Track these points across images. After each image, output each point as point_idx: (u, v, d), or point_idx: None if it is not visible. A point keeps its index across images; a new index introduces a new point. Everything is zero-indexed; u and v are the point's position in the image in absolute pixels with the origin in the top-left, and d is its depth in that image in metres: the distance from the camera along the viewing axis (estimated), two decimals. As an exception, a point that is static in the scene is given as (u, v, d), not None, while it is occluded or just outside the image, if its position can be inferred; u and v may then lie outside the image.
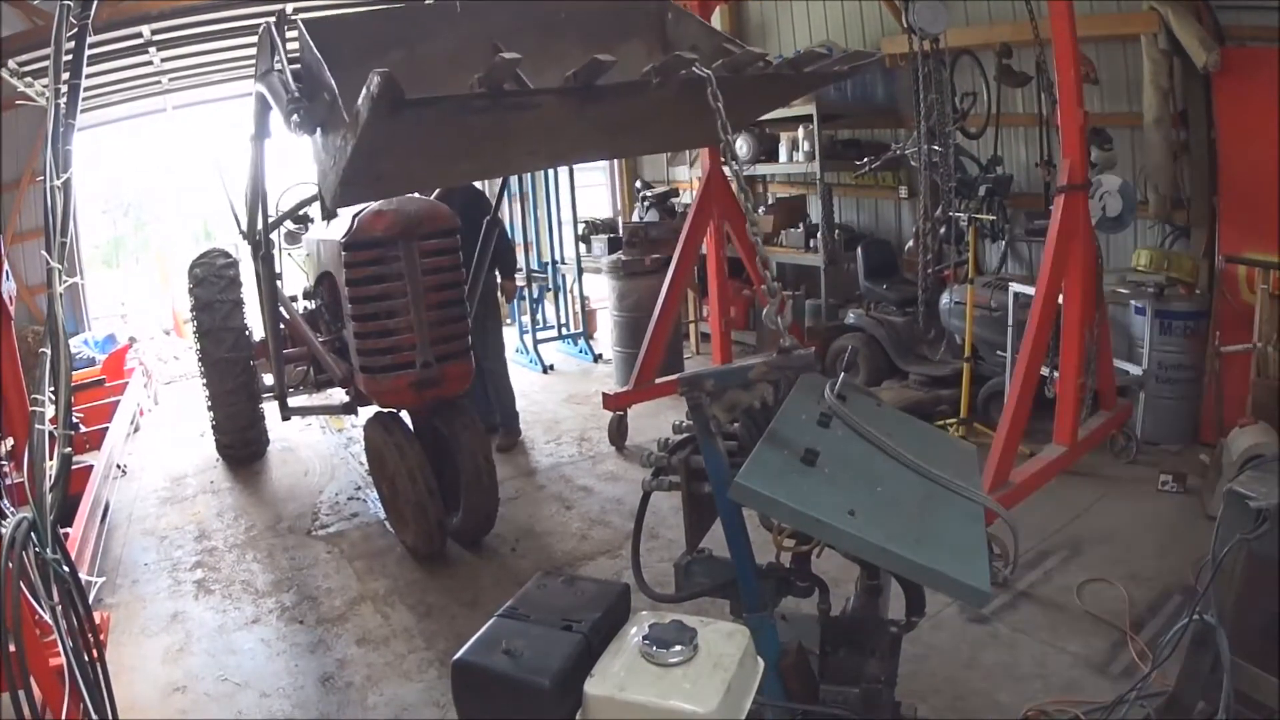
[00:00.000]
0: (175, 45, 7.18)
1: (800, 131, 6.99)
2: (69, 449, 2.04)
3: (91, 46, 2.45)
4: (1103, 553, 3.86)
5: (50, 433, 1.99)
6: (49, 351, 2.03)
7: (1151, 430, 4.98)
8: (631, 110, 2.96)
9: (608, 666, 1.72)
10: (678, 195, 9.00)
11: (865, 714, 1.98)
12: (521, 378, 7.15)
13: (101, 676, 2.06)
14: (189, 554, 4.60)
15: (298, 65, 2.93)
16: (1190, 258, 5.11)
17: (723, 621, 1.86)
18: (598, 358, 8.06)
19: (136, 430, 6.73)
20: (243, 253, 5.12)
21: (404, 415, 4.30)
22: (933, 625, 3.30)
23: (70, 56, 2.14)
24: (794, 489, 1.79)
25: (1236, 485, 2.24)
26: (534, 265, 8.38)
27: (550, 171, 8.02)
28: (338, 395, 5.05)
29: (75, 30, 2.18)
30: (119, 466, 5.65)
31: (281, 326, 5.00)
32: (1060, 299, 3.98)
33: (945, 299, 5.55)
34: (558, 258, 8.46)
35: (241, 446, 5.85)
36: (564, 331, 8.56)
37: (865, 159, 6.04)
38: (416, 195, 4.56)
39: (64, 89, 2.11)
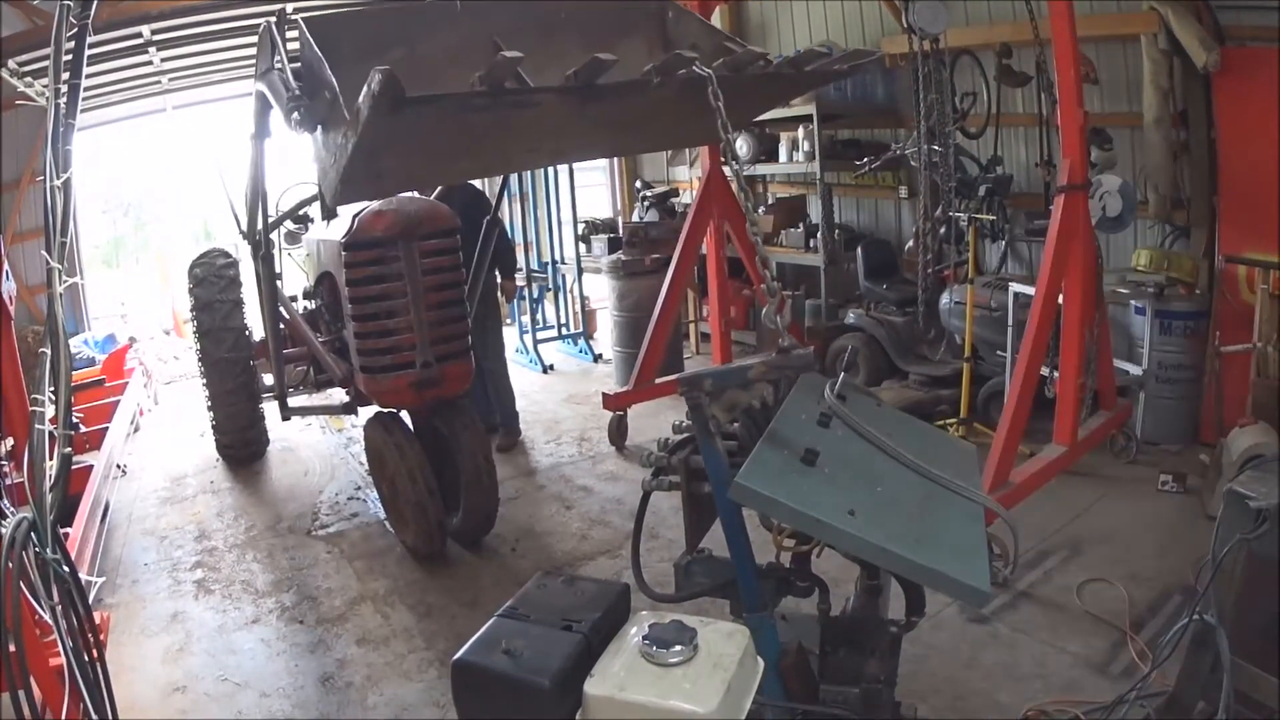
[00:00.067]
0: (175, 45, 7.18)
1: (800, 131, 6.98)
2: (69, 449, 2.04)
3: (91, 46, 2.45)
4: (1103, 553, 3.86)
5: (50, 433, 1.99)
6: (49, 351, 2.03)
7: (1151, 430, 4.98)
8: (632, 109, 2.96)
9: (608, 666, 1.72)
10: (678, 195, 9.00)
11: (865, 714, 1.98)
12: (521, 378, 7.15)
13: (101, 676, 2.06)
14: (189, 554, 4.60)
15: (298, 64, 2.93)
16: (1190, 258, 5.11)
17: (723, 621, 1.87)
18: (598, 358, 8.06)
19: (136, 430, 6.73)
20: (243, 253, 5.11)
21: (404, 415, 4.30)
22: (933, 625, 3.30)
23: (70, 56, 2.14)
24: (794, 489, 1.79)
25: (1236, 485, 2.24)
26: (534, 265, 8.38)
27: (550, 171, 8.02)
28: (338, 395, 5.05)
29: (75, 30, 2.18)
30: (119, 466, 5.65)
31: (281, 326, 5.00)
32: (1060, 299, 3.98)
33: (945, 299, 5.55)
34: (558, 258, 8.46)
35: (241, 446, 5.85)
36: (564, 331, 8.56)
37: (865, 159, 6.04)
38: (416, 195, 4.56)
39: (64, 89, 2.11)
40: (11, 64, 5.71)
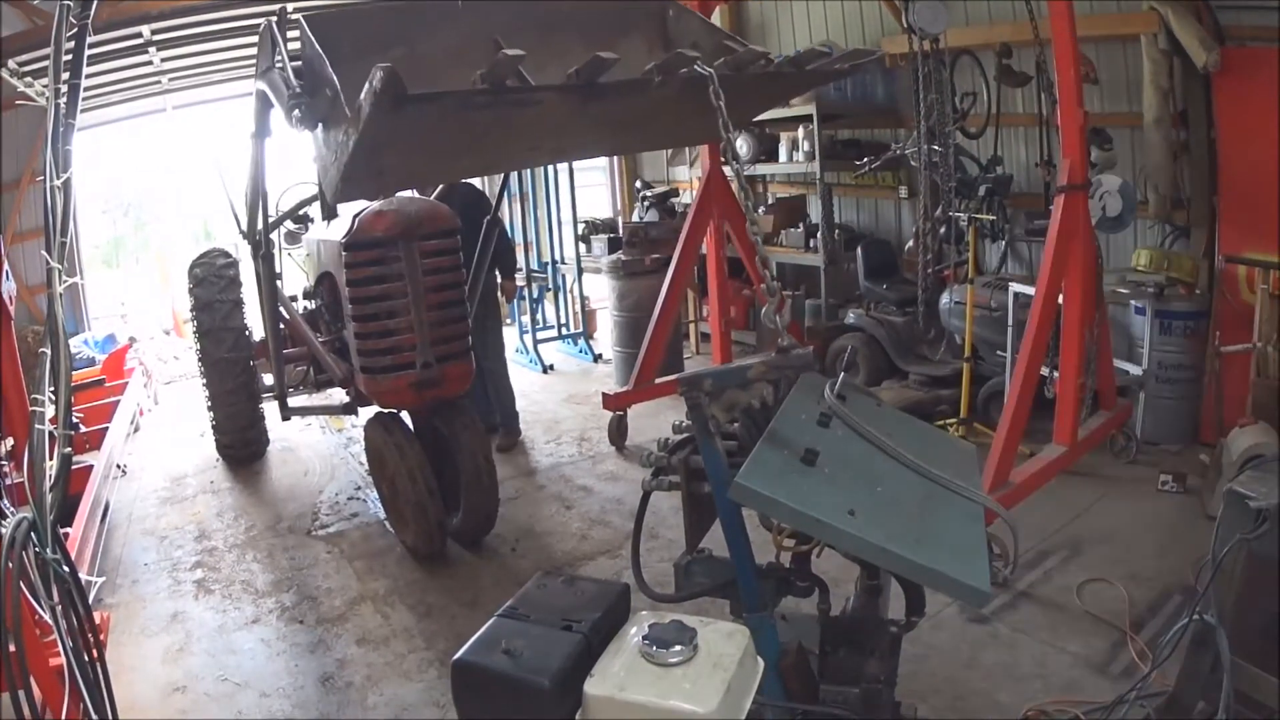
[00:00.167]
0: (175, 45, 7.18)
1: (800, 131, 6.98)
2: (69, 449, 2.04)
3: (91, 46, 2.45)
4: (1103, 553, 3.86)
5: (50, 433, 1.99)
6: (49, 351, 2.03)
7: (1151, 430, 4.98)
8: (633, 107, 2.96)
9: (607, 666, 1.72)
10: (678, 195, 9.00)
11: (865, 714, 1.97)
12: (521, 378, 7.15)
13: (101, 676, 2.06)
14: (189, 554, 4.60)
15: (298, 63, 2.93)
16: (1190, 258, 5.10)
17: (722, 621, 1.87)
18: (598, 358, 8.06)
19: (136, 430, 6.73)
20: (243, 253, 5.11)
21: (404, 415, 4.30)
22: (933, 625, 3.30)
23: (70, 56, 2.14)
24: (794, 489, 1.79)
25: (1236, 485, 2.24)
26: (534, 265, 8.38)
27: (550, 171, 8.02)
28: (338, 395, 5.05)
29: (75, 30, 2.19)
30: (119, 466, 5.65)
31: (281, 326, 5.00)
32: (1060, 299, 3.98)
33: (945, 299, 5.55)
34: (558, 258, 8.46)
35: (241, 446, 5.85)
36: (564, 331, 8.56)
37: (865, 159, 6.04)
38: (416, 195, 4.57)
39: (64, 89, 2.11)
40: (11, 64, 5.71)
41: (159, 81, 8.27)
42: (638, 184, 9.43)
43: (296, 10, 3.15)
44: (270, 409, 5.43)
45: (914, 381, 5.84)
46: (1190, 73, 4.95)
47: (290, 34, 3.08)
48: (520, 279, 7.44)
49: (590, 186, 10.11)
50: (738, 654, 1.72)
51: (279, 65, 3.03)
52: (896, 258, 6.74)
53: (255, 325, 5.49)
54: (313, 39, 2.75)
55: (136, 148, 11.24)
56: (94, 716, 1.99)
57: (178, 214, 14.29)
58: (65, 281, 2.06)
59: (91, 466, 4.65)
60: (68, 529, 3.64)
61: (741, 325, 7.23)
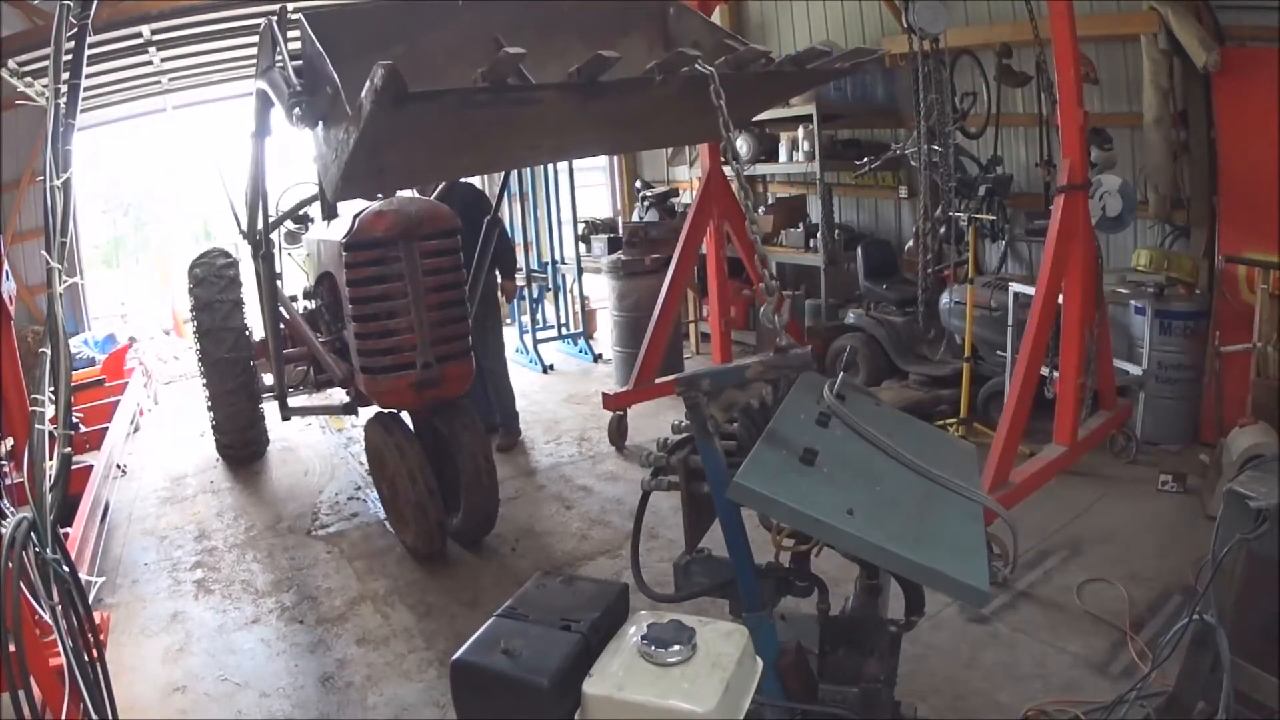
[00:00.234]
0: (175, 45, 7.18)
1: (800, 131, 6.98)
2: (69, 449, 2.05)
3: (91, 46, 2.45)
4: (1103, 553, 3.86)
5: (50, 433, 1.99)
6: (49, 351, 2.03)
7: (1151, 430, 4.98)
8: (634, 106, 2.96)
9: (606, 666, 1.72)
10: (678, 195, 9.01)
11: (864, 713, 1.97)
12: (521, 378, 7.15)
13: (101, 676, 2.06)
14: (189, 554, 4.60)
15: (299, 62, 2.93)
16: (1190, 258, 5.10)
17: (721, 621, 1.87)
18: (598, 358, 8.06)
19: (136, 430, 6.73)
20: (243, 253, 5.11)
21: (404, 415, 4.30)
22: (933, 625, 3.30)
23: (70, 56, 2.15)
24: (792, 488, 1.79)
25: (1236, 485, 2.24)
26: (534, 265, 8.38)
27: (550, 171, 8.03)
28: (338, 395, 5.05)
29: (75, 30, 2.19)
30: (119, 466, 5.65)
31: (281, 326, 5.00)
32: (1060, 299, 3.98)
33: (945, 299, 5.55)
34: (558, 258, 8.46)
35: (241, 446, 5.85)
36: (564, 331, 8.56)
37: (865, 159, 6.04)
38: (417, 195, 4.57)
39: (64, 89, 2.11)
40: (11, 64, 5.72)
41: (159, 81, 8.27)
42: (638, 184, 9.43)
43: (297, 10, 3.15)
44: (270, 409, 5.43)
45: (914, 381, 5.84)
46: (1190, 73, 4.95)
47: (290, 34, 3.09)
48: (520, 279, 7.45)
49: (590, 186, 10.12)
50: (736, 653, 1.72)
51: (279, 64, 3.03)
52: (896, 258, 6.74)
53: (255, 325, 5.49)
54: (313, 37, 2.75)
55: (136, 148, 11.26)
56: (94, 716, 1.99)
57: (178, 214, 14.29)
58: (65, 281, 2.06)
59: (91, 466, 4.65)
60: (68, 529, 3.64)
61: (741, 325, 7.23)
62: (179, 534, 4.87)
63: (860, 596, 2.27)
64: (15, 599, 1.86)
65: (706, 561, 2.13)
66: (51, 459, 1.99)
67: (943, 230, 5.47)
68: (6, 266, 3.02)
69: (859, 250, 6.59)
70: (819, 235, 6.87)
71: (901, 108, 6.86)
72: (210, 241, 10.78)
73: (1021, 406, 3.83)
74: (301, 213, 5.27)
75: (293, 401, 4.95)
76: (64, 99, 2.10)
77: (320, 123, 2.81)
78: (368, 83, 2.17)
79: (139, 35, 6.58)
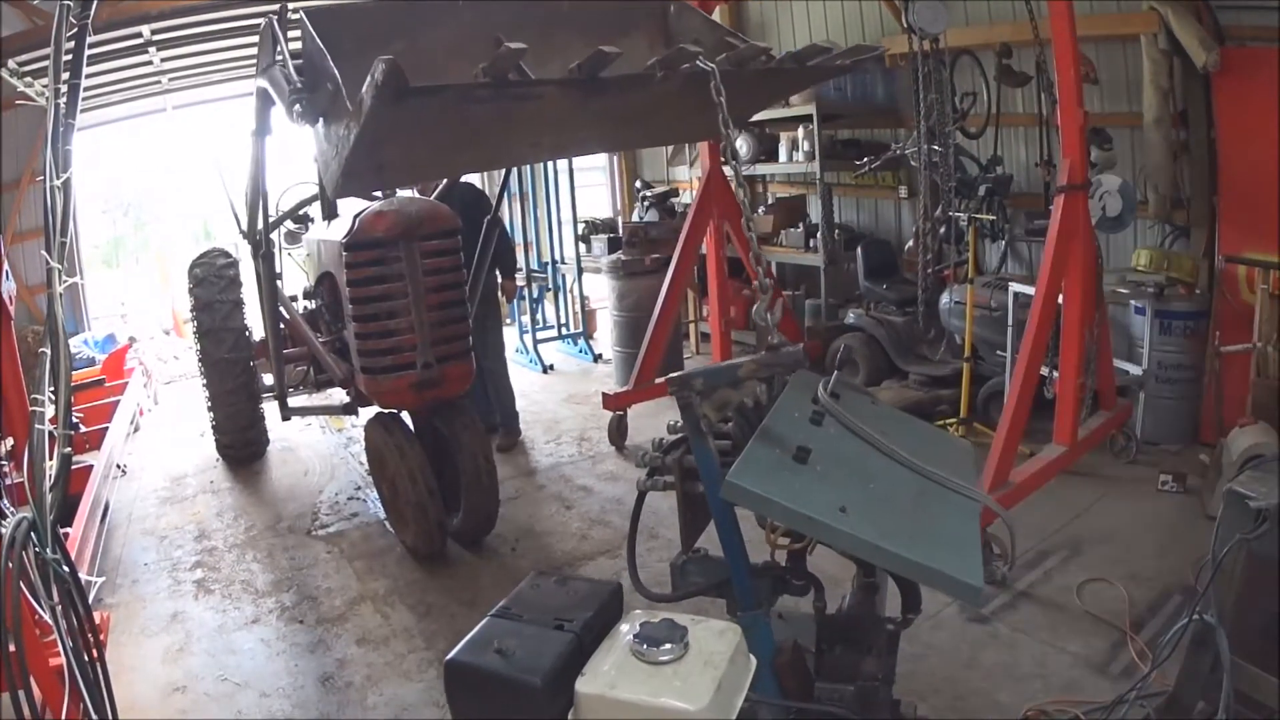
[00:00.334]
0: (175, 45, 7.19)
1: (800, 131, 6.98)
2: (69, 449, 2.05)
3: (91, 46, 2.45)
4: (1103, 553, 3.86)
5: (50, 433, 1.99)
6: (49, 351, 2.03)
7: (1151, 430, 4.98)
8: (634, 103, 2.97)
9: (599, 665, 1.72)
10: (678, 195, 9.01)
11: (861, 712, 1.97)
12: (521, 378, 7.15)
13: (101, 676, 2.06)
14: (189, 554, 4.60)
15: (299, 60, 2.94)
16: (1190, 258, 5.10)
17: (714, 620, 1.87)
18: (598, 358, 8.06)
19: (136, 430, 6.74)
20: (243, 253, 5.12)
21: (404, 415, 4.30)
22: (932, 625, 3.30)
23: (70, 56, 2.15)
24: (786, 487, 1.79)
25: (1236, 485, 2.23)
26: (534, 265, 8.38)
27: (550, 170, 8.03)
28: (338, 395, 5.05)
29: (75, 30, 2.19)
30: (119, 466, 5.66)
31: (281, 326, 5.00)
32: (1060, 299, 3.98)
33: (945, 299, 5.55)
34: (558, 258, 8.47)
35: (241, 446, 5.85)
36: (564, 331, 8.56)
37: (865, 159, 6.04)
38: (417, 195, 4.57)
39: (64, 89, 2.11)
40: (11, 64, 5.72)
41: (159, 81, 8.28)
42: (638, 184, 9.43)
43: (297, 8, 3.16)
44: (270, 409, 5.44)
45: (914, 381, 5.84)
46: (1190, 73, 4.95)
47: (291, 33, 3.09)
48: (520, 279, 7.45)
49: (590, 186, 10.12)
50: (729, 652, 1.72)
51: (280, 61, 3.04)
52: (896, 258, 6.74)
53: (255, 325, 5.49)
54: (314, 34, 2.75)
55: (136, 148, 11.27)
56: (94, 716, 2.00)
57: (178, 214, 14.30)
58: (65, 281, 2.06)
59: (91, 466, 4.65)
60: (68, 529, 3.65)
61: (741, 325, 7.22)
62: (179, 534, 4.87)
63: (857, 595, 2.26)
64: (15, 599, 1.86)
65: (703, 561, 2.13)
66: (51, 459, 1.99)
67: (943, 230, 5.46)
68: (6, 266, 3.02)
69: (859, 250, 6.59)
70: (819, 235, 6.86)
71: (901, 108, 6.86)
72: (210, 241, 10.80)
73: (1021, 406, 3.83)
74: (302, 212, 5.27)
75: (293, 401, 4.95)
76: (64, 99, 2.10)
77: (321, 119, 2.82)
78: (369, 77, 2.17)
79: (139, 35, 6.58)
